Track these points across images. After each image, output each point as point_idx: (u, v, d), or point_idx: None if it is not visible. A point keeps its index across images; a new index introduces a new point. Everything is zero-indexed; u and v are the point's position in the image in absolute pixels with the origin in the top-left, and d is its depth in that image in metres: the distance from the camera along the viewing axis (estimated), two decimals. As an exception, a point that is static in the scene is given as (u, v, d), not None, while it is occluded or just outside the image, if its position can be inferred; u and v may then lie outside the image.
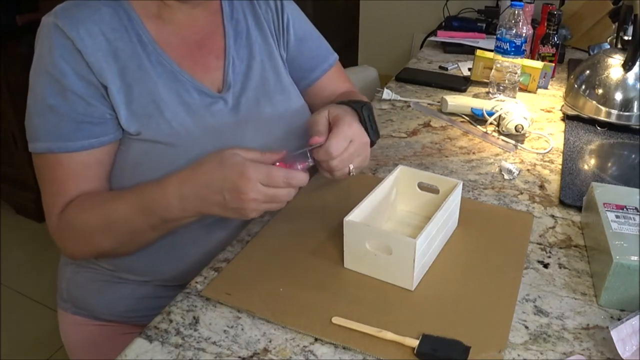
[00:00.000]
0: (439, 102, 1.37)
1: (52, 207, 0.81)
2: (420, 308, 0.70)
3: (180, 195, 0.74)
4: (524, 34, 1.38)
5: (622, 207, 0.81)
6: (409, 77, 1.55)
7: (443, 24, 2.06)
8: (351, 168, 0.79)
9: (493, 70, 1.41)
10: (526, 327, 0.69)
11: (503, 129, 1.20)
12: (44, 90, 0.77)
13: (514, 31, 1.38)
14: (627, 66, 1.21)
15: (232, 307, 0.71)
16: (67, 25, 0.76)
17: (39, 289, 2.02)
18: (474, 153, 1.13)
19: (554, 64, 1.56)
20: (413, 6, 2.80)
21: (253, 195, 0.69)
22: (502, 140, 1.19)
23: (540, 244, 0.85)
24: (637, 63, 1.21)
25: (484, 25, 1.96)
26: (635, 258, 0.70)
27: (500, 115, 1.21)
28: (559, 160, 1.11)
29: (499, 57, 1.41)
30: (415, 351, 0.63)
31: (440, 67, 1.67)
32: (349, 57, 2.92)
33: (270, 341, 0.66)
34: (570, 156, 1.11)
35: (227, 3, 0.93)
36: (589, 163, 1.11)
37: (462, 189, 0.85)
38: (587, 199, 0.90)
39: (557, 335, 0.68)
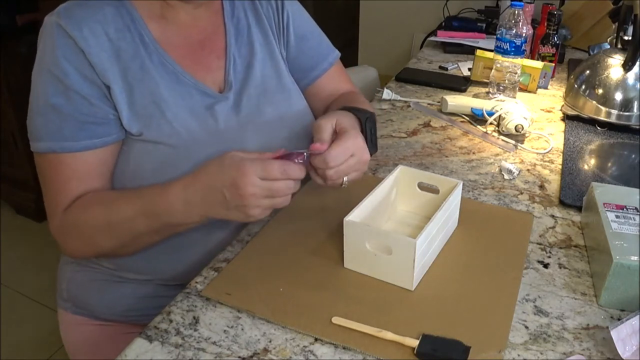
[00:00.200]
0: (439, 102, 1.37)
1: (55, 206, 0.81)
2: (420, 308, 0.70)
3: (184, 200, 0.74)
4: (524, 34, 1.38)
5: (622, 207, 0.81)
6: (409, 77, 1.55)
7: (443, 24, 2.06)
8: (345, 180, 0.78)
9: (493, 70, 1.41)
10: (526, 327, 0.69)
11: (503, 129, 1.20)
12: (46, 90, 0.77)
13: (514, 31, 1.38)
14: (627, 66, 1.21)
15: (232, 307, 0.71)
16: (70, 25, 0.76)
17: (39, 289, 2.02)
18: (474, 153, 1.13)
19: (554, 64, 1.56)
20: (413, 6, 2.80)
21: (251, 189, 0.69)
22: (502, 140, 1.19)
23: (540, 244, 0.85)
24: (637, 63, 1.21)
25: (484, 25, 1.96)
26: (635, 258, 0.70)
27: (500, 115, 1.21)
28: (559, 160, 1.11)
29: (499, 57, 1.41)
30: (415, 351, 0.63)
31: (440, 67, 1.67)
32: (349, 57, 2.92)
33: (270, 341, 0.66)
34: (570, 156, 1.11)
35: (228, 2, 0.93)
36: (589, 163, 1.11)
37: (462, 189, 0.85)
38: (587, 199, 0.90)
39: (557, 335, 0.68)
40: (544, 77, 1.49)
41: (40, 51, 0.79)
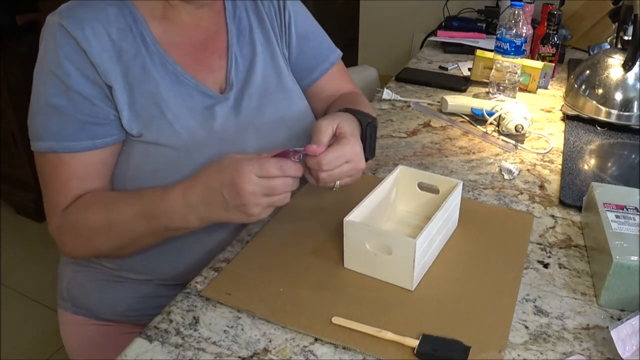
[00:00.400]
0: (439, 102, 1.37)
1: (54, 206, 0.81)
2: (420, 308, 0.70)
3: (184, 203, 0.74)
4: (524, 34, 1.38)
5: (622, 207, 0.81)
6: (409, 77, 1.55)
7: (443, 24, 2.06)
8: (337, 184, 0.78)
9: (493, 70, 1.41)
10: (526, 327, 0.69)
11: (503, 129, 1.20)
12: (47, 90, 0.77)
13: (514, 31, 1.38)
14: (627, 66, 1.21)
15: (232, 307, 0.71)
16: (72, 25, 0.76)
17: (39, 289, 2.02)
18: (474, 153, 1.13)
19: (554, 64, 1.56)
20: (413, 6, 2.80)
21: (250, 188, 0.69)
22: (502, 140, 1.19)
23: (540, 244, 0.85)
24: (637, 63, 1.20)
25: (484, 25, 1.96)
26: (635, 258, 0.70)
27: (500, 115, 1.21)
28: (559, 160, 1.11)
29: (499, 57, 1.41)
30: (415, 351, 0.63)
31: (440, 67, 1.67)
32: (349, 57, 2.92)
33: (270, 341, 0.66)
34: (570, 156, 1.11)
35: (230, 2, 0.92)
36: (589, 163, 1.11)
37: (462, 189, 0.85)
38: (587, 199, 0.90)
39: (557, 335, 0.68)
40: (544, 77, 1.49)
41: (42, 51, 0.78)
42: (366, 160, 0.85)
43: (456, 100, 1.30)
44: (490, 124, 1.24)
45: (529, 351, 0.65)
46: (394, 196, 0.87)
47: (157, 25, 0.83)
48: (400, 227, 0.86)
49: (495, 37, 1.43)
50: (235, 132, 0.86)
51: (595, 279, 0.76)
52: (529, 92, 1.47)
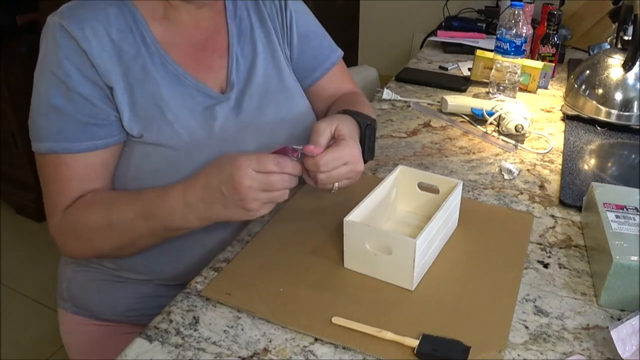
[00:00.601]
0: (439, 102, 1.37)
1: (55, 206, 0.81)
2: (420, 308, 0.70)
3: (184, 202, 0.74)
4: (524, 34, 1.38)
5: (622, 207, 0.81)
6: (409, 77, 1.55)
7: (443, 24, 2.06)
8: (335, 186, 0.78)
9: (493, 70, 1.41)
10: (526, 327, 0.69)
11: (503, 129, 1.20)
12: (48, 91, 0.77)
13: (514, 31, 1.38)
14: (627, 66, 1.21)
15: (232, 307, 0.71)
16: (72, 25, 0.76)
17: (39, 289, 2.02)
18: (474, 153, 1.13)
19: (554, 64, 1.56)
20: (413, 6, 2.80)
21: (247, 182, 0.69)
22: (502, 140, 1.19)
23: (540, 244, 0.85)
24: (637, 63, 1.20)
25: (484, 25, 1.96)
26: (635, 258, 0.70)
27: (500, 115, 1.21)
28: (559, 160, 1.11)
29: (499, 57, 1.41)
30: (415, 351, 0.63)
31: (440, 67, 1.67)
32: (349, 57, 2.92)
33: (270, 341, 0.66)
34: (570, 156, 1.11)
35: (231, 2, 0.92)
36: (589, 163, 1.11)
37: (462, 189, 0.85)
38: (587, 199, 0.90)
39: (557, 335, 0.68)
40: (544, 77, 1.49)
41: (43, 52, 0.78)
42: (365, 162, 0.85)
43: (456, 100, 1.30)
44: (490, 124, 1.24)
45: (529, 351, 0.65)
46: (394, 196, 0.87)
47: (157, 25, 0.83)
48: (400, 227, 0.86)
49: (495, 37, 1.43)
50: (235, 132, 0.86)
51: (595, 279, 0.76)
52: (529, 92, 1.47)
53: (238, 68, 0.90)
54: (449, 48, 1.84)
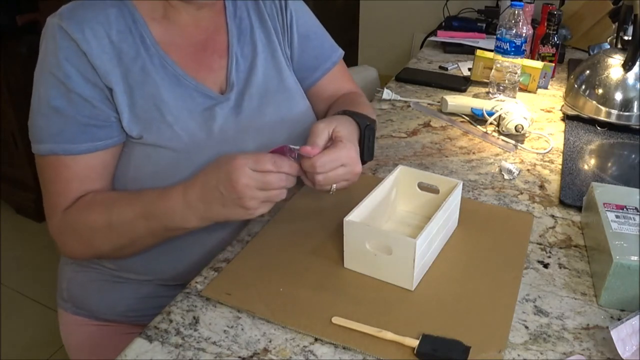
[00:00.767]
0: (439, 102, 1.37)
1: (55, 207, 0.81)
2: (420, 308, 0.70)
3: (184, 203, 0.74)
4: (524, 34, 1.38)
5: (622, 207, 0.81)
6: (409, 77, 1.55)
7: (443, 24, 2.06)
8: (333, 187, 0.78)
9: (493, 70, 1.41)
10: (526, 327, 0.69)
11: (503, 129, 1.20)
12: (48, 92, 0.77)
13: (514, 31, 1.38)
14: (627, 66, 1.21)
15: (232, 307, 0.71)
16: (72, 27, 0.76)
17: (39, 289, 2.02)
18: (474, 153, 1.13)
19: (554, 64, 1.56)
20: (413, 6, 2.80)
21: (244, 180, 0.69)
22: (502, 140, 1.19)
23: (540, 244, 0.85)
24: (637, 63, 1.20)
25: (484, 25, 1.96)
26: (635, 258, 0.70)
27: (500, 115, 1.21)
28: (559, 160, 1.11)
29: (499, 57, 1.41)
30: (415, 351, 0.63)
31: (440, 67, 1.67)
32: (349, 57, 2.91)
33: (270, 341, 0.66)
34: (570, 156, 1.11)
35: (231, 2, 0.92)
36: (589, 163, 1.11)
37: (462, 189, 0.85)
38: (587, 199, 0.90)
39: (557, 335, 0.68)
40: (544, 77, 1.49)
41: (42, 53, 0.78)
42: (365, 162, 0.85)
43: (456, 100, 1.30)
44: (490, 124, 1.24)
45: (529, 351, 0.65)
46: (394, 196, 0.87)
47: (157, 26, 0.83)
48: (400, 227, 0.86)
49: (495, 37, 1.43)
50: (235, 133, 0.86)
51: (595, 279, 0.76)
52: (529, 92, 1.47)
53: (238, 68, 0.90)
54: (449, 48, 1.84)
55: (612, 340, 0.63)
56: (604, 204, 0.82)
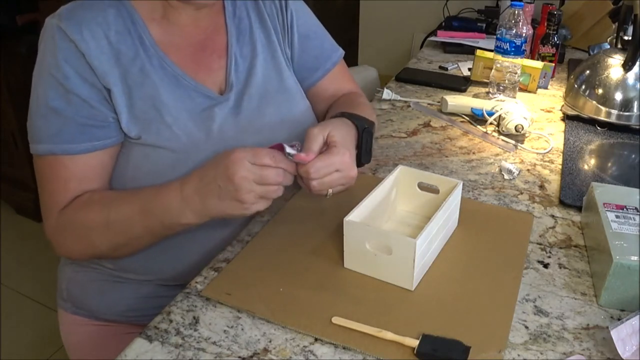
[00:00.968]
0: (439, 102, 1.37)
1: (51, 207, 0.81)
2: (420, 308, 0.70)
3: (181, 197, 0.74)
4: (524, 34, 1.38)
5: (622, 207, 0.81)
6: (409, 77, 1.55)
7: (443, 24, 2.06)
8: (329, 192, 0.78)
9: (493, 70, 1.41)
10: (526, 327, 0.69)
11: (503, 129, 1.20)
12: (46, 93, 0.77)
13: (514, 31, 1.38)
14: (627, 66, 1.21)
15: (232, 307, 0.71)
16: (70, 27, 0.76)
17: (39, 289, 2.02)
18: (474, 153, 1.13)
19: (554, 64, 1.56)
20: (413, 6, 2.81)
21: (242, 173, 0.69)
22: (502, 140, 1.19)
23: (540, 244, 0.85)
24: (637, 63, 1.20)
25: (484, 25, 1.96)
26: (635, 258, 0.70)
27: (500, 115, 1.21)
28: (559, 160, 1.11)
29: (499, 57, 1.41)
30: (415, 351, 0.63)
31: (440, 67, 1.67)
32: (349, 57, 2.92)
33: (270, 341, 0.66)
34: (570, 156, 1.11)
35: (230, 2, 0.92)
36: (589, 163, 1.11)
37: (462, 189, 0.85)
38: (587, 199, 0.90)
39: (557, 335, 0.68)
40: (544, 77, 1.49)
41: (41, 53, 0.78)
42: (363, 165, 0.85)
43: (456, 100, 1.31)
44: (490, 124, 1.24)
45: (529, 351, 0.65)
46: (394, 196, 0.87)
47: (156, 26, 0.83)
48: (400, 227, 0.86)
49: (495, 37, 1.43)
50: (234, 133, 0.86)
51: (595, 279, 0.76)
52: (529, 92, 1.47)
53: (237, 68, 0.90)
54: (449, 48, 1.84)
55: (612, 340, 0.63)
56: (604, 204, 0.82)
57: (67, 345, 1.02)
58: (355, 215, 0.75)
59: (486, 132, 1.22)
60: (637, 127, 1.22)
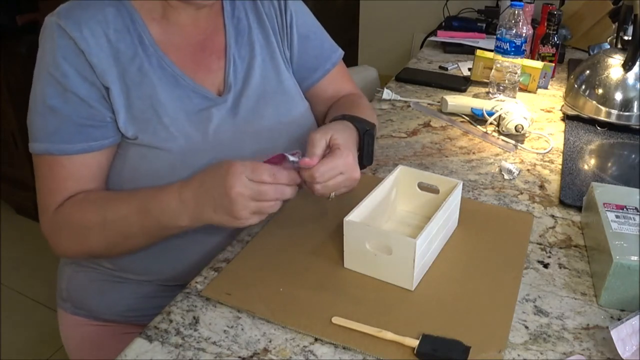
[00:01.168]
0: (439, 102, 1.37)
1: (48, 204, 0.81)
2: (420, 308, 0.70)
3: (179, 200, 0.74)
4: (524, 34, 1.38)
5: (622, 207, 0.81)
6: (409, 77, 1.55)
7: (443, 24, 2.06)
8: (332, 195, 0.78)
9: (493, 70, 1.41)
10: (526, 327, 0.69)
11: (503, 129, 1.20)
12: (45, 91, 0.77)
13: (514, 31, 1.38)
14: (627, 66, 1.21)
15: (232, 307, 0.71)
16: (70, 25, 0.76)
17: (39, 289, 2.02)
18: (474, 153, 1.13)
19: (554, 64, 1.56)
20: (413, 6, 2.80)
21: (238, 188, 0.68)
22: (502, 140, 1.19)
23: (540, 244, 0.85)
24: (637, 63, 1.20)
25: (484, 25, 1.96)
26: (635, 258, 0.70)
27: (500, 115, 1.21)
28: (559, 160, 1.11)
29: (499, 57, 1.41)
30: (415, 351, 0.63)
31: (440, 67, 1.67)
32: (349, 57, 2.91)
33: (270, 341, 0.66)
34: (570, 156, 1.11)
35: (229, 2, 0.92)
36: (589, 163, 1.11)
37: (462, 189, 0.85)
38: (587, 199, 0.90)
39: (557, 335, 0.68)
40: (544, 77, 1.49)
41: (41, 51, 0.78)
42: (364, 167, 0.85)
43: (456, 100, 1.30)
44: (490, 124, 1.24)
45: (529, 351, 0.65)
46: (394, 196, 0.87)
47: (155, 26, 0.83)
48: (400, 227, 0.86)
49: (495, 37, 1.43)
50: (232, 134, 0.86)
51: (595, 279, 0.76)
52: (529, 92, 1.47)
53: (235, 70, 0.90)
54: (449, 48, 1.84)
55: (612, 340, 0.63)
56: (604, 204, 0.82)
57: (66, 346, 1.02)
58: (355, 215, 0.75)
59: (486, 132, 1.22)
60: (637, 127, 1.22)
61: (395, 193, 0.87)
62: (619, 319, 0.69)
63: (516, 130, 1.18)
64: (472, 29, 1.95)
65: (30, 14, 2.04)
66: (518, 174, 1.05)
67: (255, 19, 0.94)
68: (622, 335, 0.64)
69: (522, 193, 0.98)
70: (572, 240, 0.86)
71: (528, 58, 1.53)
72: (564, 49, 1.75)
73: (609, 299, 0.72)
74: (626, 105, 1.22)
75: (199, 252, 0.88)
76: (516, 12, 1.39)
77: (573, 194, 0.96)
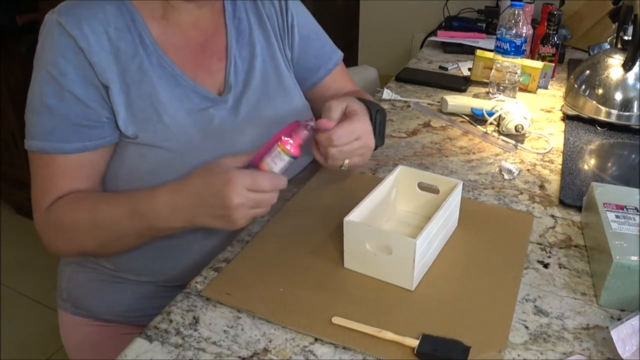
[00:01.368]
0: (439, 102, 1.37)
1: (41, 202, 0.81)
2: (420, 308, 0.70)
3: (172, 204, 0.74)
4: (524, 34, 1.38)
5: (622, 207, 0.81)
6: (409, 77, 1.55)
7: (443, 24, 2.06)
8: (345, 163, 0.78)
9: (493, 70, 1.41)
10: (526, 327, 0.69)
11: (503, 129, 1.20)
12: (42, 89, 0.77)
13: (514, 31, 1.38)
14: (627, 66, 1.21)
15: (232, 307, 0.71)
16: (70, 23, 0.76)
17: (39, 289, 2.02)
18: (474, 153, 1.13)
19: (554, 64, 1.56)
20: (413, 6, 2.80)
21: (238, 200, 0.69)
22: (502, 140, 1.19)
23: (540, 244, 0.85)
24: (637, 63, 1.20)
25: (484, 25, 1.96)
26: (635, 258, 0.70)
27: (500, 115, 1.21)
28: (559, 160, 1.11)
29: (499, 57, 1.41)
30: (415, 351, 0.63)
31: (440, 67, 1.67)
32: (349, 57, 2.92)
33: (270, 341, 0.66)
34: (570, 156, 1.11)
35: (230, 2, 0.92)
36: (589, 163, 1.11)
37: (462, 189, 0.85)
38: (587, 199, 0.90)
39: (557, 335, 0.68)
40: (544, 77, 1.49)
41: (40, 48, 0.78)
42: (376, 148, 0.85)
43: (456, 100, 1.30)
44: (490, 124, 1.24)
45: (529, 351, 0.65)
46: (394, 196, 0.87)
47: (156, 25, 0.83)
48: (400, 227, 0.86)
49: (495, 37, 1.43)
50: (232, 134, 0.86)
51: (595, 279, 0.76)
52: (529, 92, 1.47)
53: (236, 70, 0.90)
54: (449, 48, 1.84)
55: (612, 340, 0.63)
56: (604, 204, 0.82)
57: (67, 346, 1.02)
58: (355, 215, 0.75)
59: (486, 132, 1.22)
60: (637, 127, 1.22)
61: (395, 193, 0.87)
62: (619, 319, 0.69)
63: (516, 130, 1.18)
64: (472, 29, 1.95)
65: (30, 14, 2.04)
66: (518, 174, 1.05)
67: (256, 20, 0.94)
68: (622, 335, 0.64)
69: (522, 193, 0.98)
70: (572, 240, 0.86)
71: (528, 58, 1.53)
72: (564, 49, 1.75)
73: (609, 299, 0.72)
74: (626, 105, 1.22)
75: (199, 252, 0.88)
76: (516, 12, 1.39)
77: (573, 194, 0.96)
